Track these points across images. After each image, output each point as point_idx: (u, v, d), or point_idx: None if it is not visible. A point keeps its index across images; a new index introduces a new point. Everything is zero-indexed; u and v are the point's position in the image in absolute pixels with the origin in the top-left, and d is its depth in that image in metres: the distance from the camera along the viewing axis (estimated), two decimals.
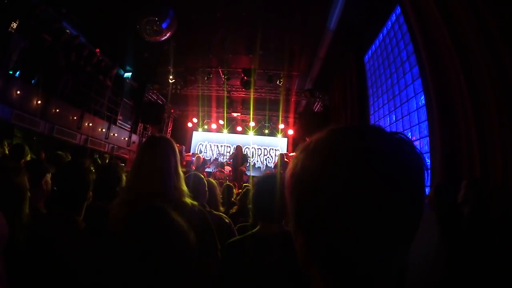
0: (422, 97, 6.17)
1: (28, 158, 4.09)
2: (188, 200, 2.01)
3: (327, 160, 0.55)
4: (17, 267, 1.55)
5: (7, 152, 5.21)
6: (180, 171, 2.05)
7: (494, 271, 2.15)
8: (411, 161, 0.56)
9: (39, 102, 8.34)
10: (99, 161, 9.29)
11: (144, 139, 14.27)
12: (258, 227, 2.15)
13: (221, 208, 3.68)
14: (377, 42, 9.02)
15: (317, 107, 14.39)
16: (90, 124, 10.89)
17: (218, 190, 3.81)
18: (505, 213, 2.63)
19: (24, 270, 1.56)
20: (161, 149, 2.01)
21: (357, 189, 0.51)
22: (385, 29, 8.31)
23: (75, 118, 10.15)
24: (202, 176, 3.17)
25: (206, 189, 3.16)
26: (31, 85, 8.29)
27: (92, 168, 2.15)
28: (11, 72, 7.58)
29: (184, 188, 2.02)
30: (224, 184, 5.63)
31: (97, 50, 10.84)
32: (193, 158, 12.77)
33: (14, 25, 7.26)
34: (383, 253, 0.53)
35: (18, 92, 7.68)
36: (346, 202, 0.52)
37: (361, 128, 0.60)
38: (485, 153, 4.20)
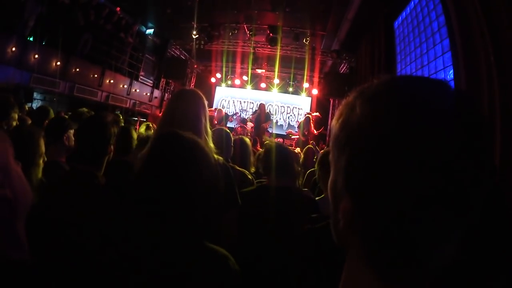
0: (451, 71, 5.79)
1: None
2: (214, 155, 2.02)
3: (396, 108, 0.48)
4: (34, 229, 1.56)
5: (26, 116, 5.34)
6: (208, 126, 2.08)
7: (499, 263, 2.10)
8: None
9: (58, 63, 8.42)
10: (121, 116, 9.46)
11: (167, 94, 14.36)
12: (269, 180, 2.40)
13: (252, 169, 3.55)
14: (408, 9, 8.38)
15: (343, 68, 13.89)
16: (112, 81, 10.99)
17: (251, 149, 3.76)
18: None
19: (41, 232, 1.54)
20: (192, 104, 2.01)
21: (435, 146, 0.44)
22: None
23: (95, 76, 10.24)
24: (228, 131, 3.13)
25: (232, 144, 3.14)
26: (49, 48, 8.32)
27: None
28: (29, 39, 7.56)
29: (211, 143, 2.06)
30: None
31: (118, 9, 10.61)
32: (215, 114, 12.70)
33: None
34: (448, 233, 0.47)
35: (36, 56, 7.74)
36: (420, 160, 0.44)
37: (431, 80, 0.52)
38: (508, 142, 4.01)
